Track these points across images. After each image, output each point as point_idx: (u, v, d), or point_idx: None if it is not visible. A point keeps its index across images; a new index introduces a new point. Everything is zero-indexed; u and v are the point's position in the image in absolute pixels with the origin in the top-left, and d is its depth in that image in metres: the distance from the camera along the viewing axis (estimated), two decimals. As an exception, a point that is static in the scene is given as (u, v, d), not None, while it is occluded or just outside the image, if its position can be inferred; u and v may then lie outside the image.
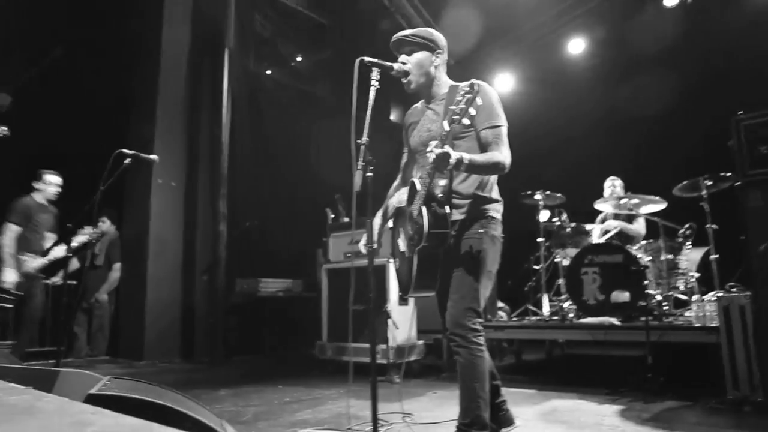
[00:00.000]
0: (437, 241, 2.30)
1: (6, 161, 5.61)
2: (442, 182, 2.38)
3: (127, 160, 3.57)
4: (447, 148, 2.14)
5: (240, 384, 4.53)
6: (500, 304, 5.74)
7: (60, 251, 5.28)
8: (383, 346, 4.75)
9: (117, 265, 6.12)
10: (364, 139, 2.27)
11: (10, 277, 5.01)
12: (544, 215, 5.63)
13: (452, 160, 2.13)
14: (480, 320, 2.33)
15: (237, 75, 6.67)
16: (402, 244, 2.55)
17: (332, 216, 6.40)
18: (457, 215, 2.43)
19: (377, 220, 2.64)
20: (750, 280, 3.07)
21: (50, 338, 6.61)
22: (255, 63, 7.57)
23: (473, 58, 8.08)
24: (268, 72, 8.00)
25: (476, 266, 2.34)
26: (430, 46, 2.52)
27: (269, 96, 7.81)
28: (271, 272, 6.76)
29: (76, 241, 4.59)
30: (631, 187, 5.42)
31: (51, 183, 5.45)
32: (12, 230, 5.13)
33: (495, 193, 2.53)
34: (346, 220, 6.23)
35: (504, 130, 2.39)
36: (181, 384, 4.48)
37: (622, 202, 5.24)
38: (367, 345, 4.73)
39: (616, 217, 5.78)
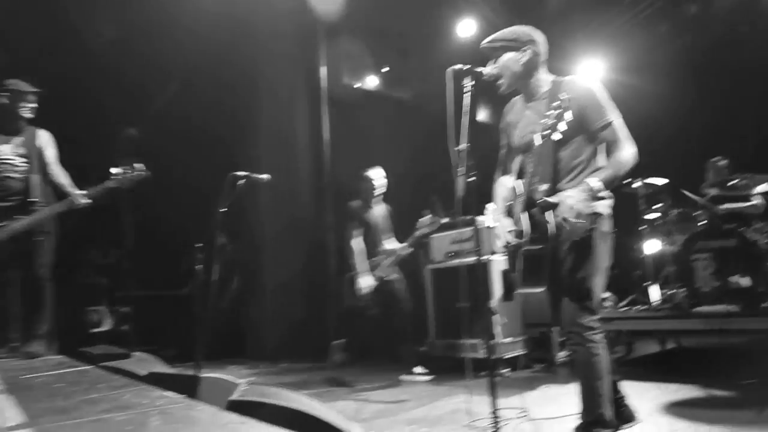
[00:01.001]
0: (538, 245, 2.39)
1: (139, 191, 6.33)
2: (543, 187, 2.40)
3: (241, 182, 3.94)
4: (575, 205, 2.20)
5: (356, 382, 4.81)
6: (606, 294, 5.65)
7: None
8: (491, 341, 4.86)
9: (236, 276, 6.69)
10: (464, 145, 2.38)
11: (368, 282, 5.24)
12: (646, 201, 5.49)
13: (590, 207, 2.23)
14: (597, 317, 2.34)
15: (332, 92, 7.05)
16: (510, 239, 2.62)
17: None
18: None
19: (504, 221, 2.61)
20: None
21: (184, 343, 7.36)
22: (346, 77, 7.92)
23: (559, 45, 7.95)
24: (358, 84, 8.34)
25: (589, 264, 2.36)
26: (512, 45, 2.53)
27: (362, 107, 8.14)
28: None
29: None
30: (737, 168, 5.15)
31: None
32: (356, 235, 5.40)
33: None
34: (445, 220, 6.40)
35: (617, 122, 2.37)
36: (302, 384, 4.86)
37: (733, 183, 5.02)
38: (477, 341, 4.94)
39: (725, 199, 5.51)
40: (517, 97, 2.74)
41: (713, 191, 5.31)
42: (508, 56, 2.54)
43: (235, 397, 1.95)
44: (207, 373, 2.81)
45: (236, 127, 7.27)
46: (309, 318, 6.75)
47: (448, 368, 5.20)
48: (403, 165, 8.45)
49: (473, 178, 2.37)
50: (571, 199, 2.23)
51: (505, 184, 2.73)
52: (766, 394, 3.37)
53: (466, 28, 7.68)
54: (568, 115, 2.25)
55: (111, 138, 6.52)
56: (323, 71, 6.85)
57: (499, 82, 2.56)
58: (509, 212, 2.65)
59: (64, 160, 4.58)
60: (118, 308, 6.03)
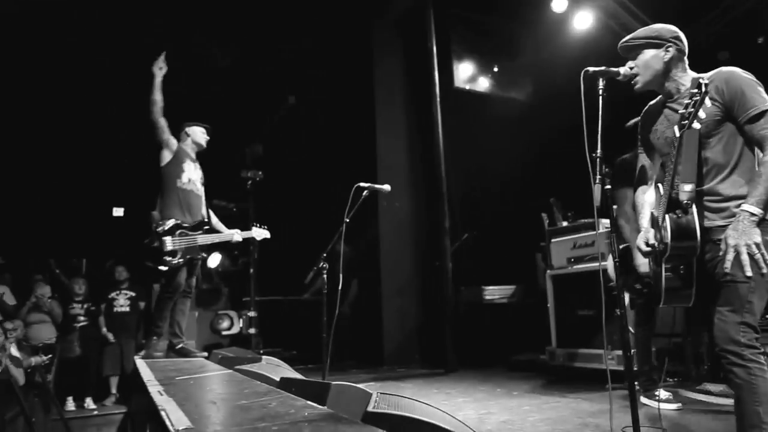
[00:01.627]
0: (684, 252, 2.20)
1: (265, 201, 6.73)
2: (688, 187, 2.22)
3: (365, 192, 4.06)
4: (740, 244, 2.05)
5: (474, 390, 4.76)
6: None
7: None
8: (618, 353, 4.61)
9: (353, 282, 6.88)
10: (599, 151, 2.27)
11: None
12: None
13: (758, 238, 2.05)
14: (757, 336, 2.13)
15: (444, 96, 7.06)
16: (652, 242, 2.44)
17: (548, 221, 6.40)
18: (718, 220, 2.23)
19: (646, 224, 2.48)
20: None
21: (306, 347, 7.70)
22: (457, 80, 7.90)
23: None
24: (469, 87, 8.27)
25: (747, 274, 2.11)
26: (655, 42, 2.38)
27: (473, 109, 8.08)
28: (492, 280, 6.98)
29: None
30: None
31: None
32: None
33: None
34: (564, 224, 6.17)
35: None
36: (423, 391, 4.89)
37: None
38: (601, 351, 4.71)
39: None
40: (655, 101, 2.57)
41: None
42: (650, 53, 2.38)
43: (371, 408, 1.98)
44: (335, 380, 2.90)
45: (354, 137, 7.50)
46: (425, 324, 6.80)
47: (569, 378, 5.02)
48: (519, 167, 8.31)
49: (609, 186, 2.24)
50: (732, 238, 2.06)
51: (646, 192, 2.57)
52: None
53: (582, 21, 7.37)
54: (709, 103, 2.07)
55: (239, 151, 7.01)
56: (436, 75, 6.86)
57: (636, 80, 2.41)
58: (651, 220, 2.50)
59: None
60: (245, 312, 6.41)
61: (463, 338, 6.97)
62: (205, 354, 4.54)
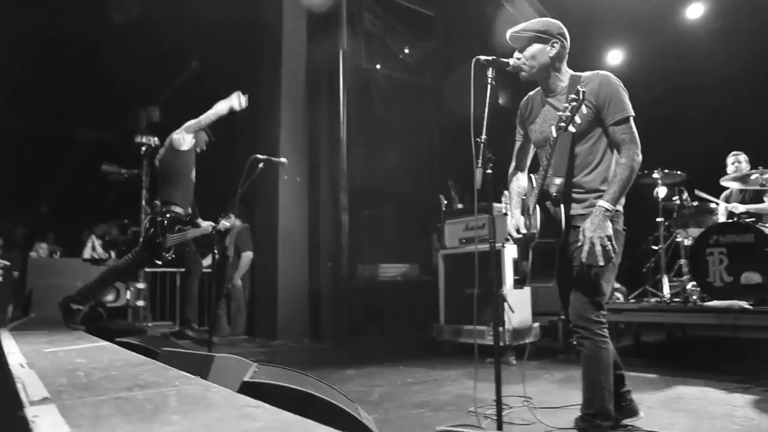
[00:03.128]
0: (550, 240, 2.40)
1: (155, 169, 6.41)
2: (558, 180, 2.44)
3: (261, 164, 4.01)
4: (595, 236, 2.25)
5: (364, 364, 4.89)
6: (616, 285, 5.66)
7: None
8: (500, 329, 4.90)
9: (246, 254, 6.76)
10: (483, 137, 2.38)
11: None
12: (661, 192, 5.45)
13: (609, 231, 2.27)
14: (604, 312, 2.37)
15: (351, 73, 7.04)
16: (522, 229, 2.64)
17: (446, 202, 6.62)
18: (579, 209, 2.45)
19: (516, 212, 2.69)
20: None
21: (198, 320, 7.52)
22: (366, 59, 7.90)
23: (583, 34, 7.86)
24: (378, 67, 8.30)
25: (600, 260, 2.31)
26: (543, 37, 2.50)
27: (381, 90, 8.13)
28: (388, 258, 7.14)
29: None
30: (758, 162, 5.09)
31: None
32: None
33: None
34: (460, 206, 6.41)
35: (632, 121, 2.38)
36: (312, 364, 4.96)
37: (753, 177, 4.97)
38: (485, 327, 4.99)
39: (743, 192, 5.47)
40: (535, 92, 2.73)
41: (732, 184, 5.26)
42: (537, 47, 2.52)
43: (247, 378, 1.99)
44: (217, 352, 2.87)
45: (258, 109, 7.30)
46: (320, 300, 6.84)
47: (454, 353, 5.28)
48: (424, 150, 8.50)
49: (490, 171, 2.38)
50: (589, 231, 2.27)
51: (520, 179, 2.76)
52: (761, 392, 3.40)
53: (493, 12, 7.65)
54: (584, 109, 2.25)
55: (132, 116, 6.61)
56: (342, 52, 6.81)
57: (523, 72, 2.55)
58: (522, 207, 2.69)
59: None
60: (134, 284, 6.14)
61: (358, 314, 7.11)
62: (83, 327, 4.32)
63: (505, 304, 4.93)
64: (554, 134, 2.31)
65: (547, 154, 2.45)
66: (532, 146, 2.76)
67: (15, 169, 9.18)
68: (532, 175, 2.55)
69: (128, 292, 6.08)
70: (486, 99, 2.42)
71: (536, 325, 5.22)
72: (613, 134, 2.39)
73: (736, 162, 5.63)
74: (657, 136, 6.77)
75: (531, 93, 2.76)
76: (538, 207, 2.43)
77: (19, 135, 9.16)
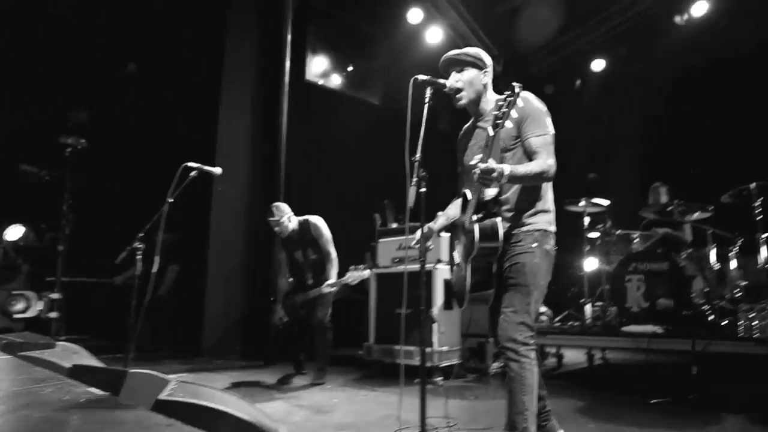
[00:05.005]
0: (488, 252, 2.41)
1: (84, 172, 6.08)
2: (492, 192, 2.48)
3: (193, 173, 3.88)
4: (490, 163, 2.25)
5: (291, 384, 4.78)
6: (542, 309, 5.83)
7: None
8: (428, 349, 4.93)
9: (173, 267, 6.51)
10: (418, 155, 2.40)
11: None
12: (586, 222, 5.69)
13: (495, 174, 2.24)
14: (532, 334, 2.40)
15: (294, 85, 6.99)
16: (457, 256, 2.66)
17: (380, 221, 6.63)
18: (507, 227, 2.49)
19: (434, 226, 2.76)
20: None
21: (117, 334, 7.14)
22: (309, 73, 7.87)
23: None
24: (321, 82, 8.28)
25: (529, 281, 2.41)
26: (479, 64, 2.63)
27: (321, 105, 8.11)
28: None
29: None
30: (677, 194, 5.42)
31: None
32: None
33: (549, 204, 2.58)
34: (395, 225, 6.44)
35: (550, 138, 2.46)
36: (236, 382, 4.79)
37: (669, 209, 5.26)
38: (414, 348, 5.00)
39: (660, 224, 5.79)
40: (468, 123, 2.83)
41: (652, 216, 5.55)
42: (473, 73, 2.63)
43: (163, 396, 1.89)
44: (135, 368, 2.71)
45: (196, 116, 7.10)
46: (249, 316, 6.65)
47: (383, 373, 5.25)
48: (362, 168, 8.51)
49: (424, 189, 2.39)
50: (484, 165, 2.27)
51: (455, 205, 2.80)
52: (680, 412, 3.57)
53: (434, 35, 7.80)
54: (514, 113, 2.31)
55: (61, 114, 6.28)
56: (287, 65, 6.76)
57: (459, 95, 2.62)
58: (457, 228, 2.74)
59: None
60: (48, 294, 5.76)
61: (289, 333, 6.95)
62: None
63: (434, 324, 4.99)
64: (491, 132, 2.32)
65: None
66: (469, 176, 2.81)
67: None
68: (465, 190, 2.58)
69: (41, 303, 5.70)
70: (423, 118, 2.46)
71: (464, 346, 5.28)
72: (529, 146, 2.45)
73: (657, 193, 5.97)
74: (585, 166, 7.19)
75: (466, 125, 2.85)
76: (474, 218, 2.44)
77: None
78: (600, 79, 8.35)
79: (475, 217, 2.44)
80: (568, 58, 8.49)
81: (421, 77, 2.53)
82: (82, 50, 7.45)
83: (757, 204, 4.64)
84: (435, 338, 4.94)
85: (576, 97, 8.32)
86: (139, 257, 4.17)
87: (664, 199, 5.87)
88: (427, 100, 2.51)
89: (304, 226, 5.16)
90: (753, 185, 4.64)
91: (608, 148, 7.89)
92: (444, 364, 4.95)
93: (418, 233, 2.70)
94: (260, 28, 7.23)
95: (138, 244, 4.13)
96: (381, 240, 5.80)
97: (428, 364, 4.88)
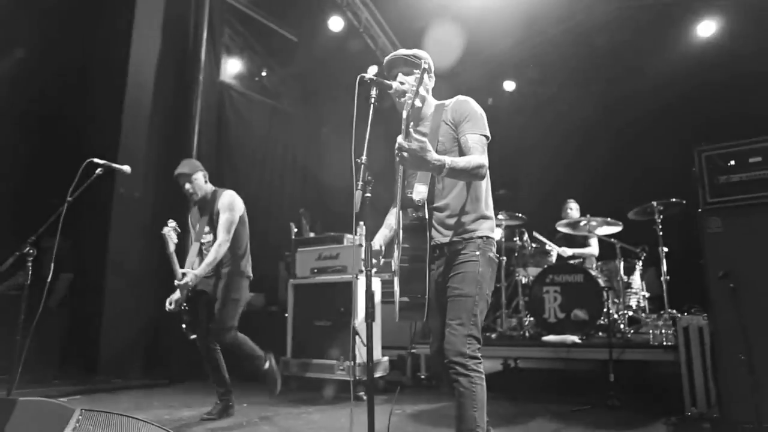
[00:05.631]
0: (419, 251, 2.28)
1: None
2: (422, 188, 2.38)
3: (99, 170, 3.49)
4: (422, 140, 2.13)
5: (203, 404, 4.40)
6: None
7: None
8: (349, 363, 4.75)
9: (64, 275, 5.87)
10: (363, 158, 2.24)
11: None
12: (498, 234, 5.79)
13: (430, 157, 2.13)
14: (479, 347, 2.29)
15: (206, 86, 6.61)
16: (394, 264, 2.51)
17: (296, 230, 6.39)
18: (449, 235, 2.39)
19: (377, 240, 2.56)
20: (708, 302, 3.25)
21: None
22: (223, 75, 7.51)
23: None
24: (234, 84, 7.93)
25: (474, 291, 2.30)
26: (425, 67, 2.50)
27: (235, 108, 7.75)
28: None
29: None
30: (588, 210, 5.65)
31: None
32: None
33: (489, 210, 2.49)
34: (312, 235, 6.23)
35: (485, 140, 2.40)
36: (142, 405, 4.35)
37: (582, 224, 5.45)
38: (333, 362, 4.81)
39: (571, 237, 6.01)
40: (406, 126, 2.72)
41: (564, 229, 5.73)
42: (418, 75, 2.50)
43: (70, 430, 1.58)
44: (23, 395, 2.32)
45: (94, 110, 6.48)
46: (152, 330, 6.11)
47: (301, 388, 5.01)
48: (275, 175, 8.22)
49: (369, 194, 2.22)
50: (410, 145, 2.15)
51: (392, 213, 2.66)
52: (595, 418, 3.65)
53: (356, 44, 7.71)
54: (444, 126, 2.28)
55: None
56: (201, 63, 6.37)
57: (405, 98, 2.48)
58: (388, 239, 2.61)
59: None
60: None
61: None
62: None
63: (357, 337, 4.82)
64: (404, 116, 2.20)
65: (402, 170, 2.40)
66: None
67: None
68: (395, 189, 2.46)
69: None
70: (368, 119, 2.30)
71: (385, 359, 5.16)
72: (465, 143, 2.37)
73: (569, 209, 6.22)
74: (501, 179, 7.38)
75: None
76: (401, 214, 2.31)
77: None
78: (510, 98, 8.67)
79: (401, 213, 2.34)
80: (482, 77, 8.72)
81: (368, 76, 2.37)
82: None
83: (658, 220, 4.91)
84: (357, 351, 4.76)
85: (489, 114, 8.57)
86: (29, 264, 3.63)
87: (574, 214, 6.11)
88: (372, 100, 2.36)
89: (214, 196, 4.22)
90: (655, 203, 4.90)
91: (517, 167, 8.21)
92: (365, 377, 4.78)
93: (364, 248, 2.55)
94: (170, 18, 6.76)
95: (29, 249, 3.59)
96: (299, 249, 5.56)
97: (349, 378, 4.70)
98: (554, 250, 5.87)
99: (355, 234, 5.31)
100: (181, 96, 6.50)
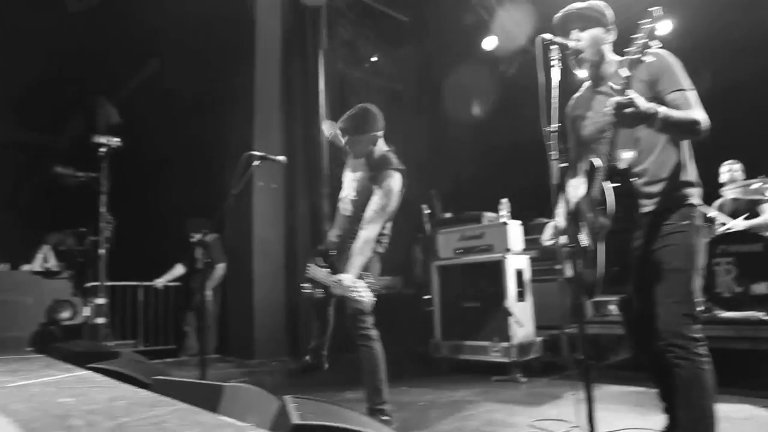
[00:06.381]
0: (626, 219, 2.09)
1: (119, 170, 5.81)
2: (627, 155, 2.17)
3: (257, 162, 3.57)
4: (632, 94, 1.91)
5: (360, 385, 4.44)
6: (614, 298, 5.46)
7: None
8: (504, 344, 4.59)
9: (219, 265, 6.21)
10: (555, 125, 2.04)
11: None
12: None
13: (642, 107, 1.90)
14: (700, 326, 2.06)
15: (329, 75, 6.69)
16: (585, 239, 2.28)
17: (428, 212, 6.30)
18: (651, 205, 2.17)
19: (560, 222, 2.38)
20: None
21: (162, 338, 6.90)
22: (340, 63, 7.56)
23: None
24: (352, 71, 7.96)
25: (688, 265, 2.07)
26: (603, 21, 2.31)
27: (355, 94, 7.78)
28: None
29: None
30: (754, 171, 5.00)
31: None
32: None
33: (694, 175, 2.23)
34: (448, 215, 6.09)
35: (690, 93, 2.11)
36: (303, 387, 4.47)
37: (753, 187, 4.86)
38: (486, 343, 4.67)
39: (736, 202, 5.37)
40: (580, 92, 2.51)
41: (731, 194, 5.14)
42: (597, 31, 2.30)
43: (298, 420, 1.56)
44: (229, 382, 2.38)
45: (228, 113, 6.79)
46: (297, 314, 6.34)
47: (454, 370, 4.94)
48: (402, 158, 8.17)
49: (566, 164, 2.02)
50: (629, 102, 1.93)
51: (575, 186, 2.43)
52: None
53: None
54: (649, 58, 1.98)
55: (90, 111, 6.01)
56: (321, 54, 6.44)
57: (582, 56, 2.27)
58: (574, 216, 2.37)
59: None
60: (93, 299, 5.50)
61: (340, 329, 6.65)
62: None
63: (510, 317, 4.65)
64: (627, 72, 1.97)
65: (608, 137, 2.16)
66: (585, 147, 2.45)
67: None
68: (592, 159, 2.23)
69: (87, 309, 5.44)
70: (553, 83, 2.10)
71: (539, 339, 4.94)
72: (674, 101, 2.10)
73: (730, 171, 5.55)
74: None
75: (575, 95, 2.54)
76: (607, 184, 2.09)
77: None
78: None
79: (607, 182, 2.10)
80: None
81: (548, 37, 2.17)
82: (105, 45, 7.19)
83: None
84: (512, 332, 4.59)
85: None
86: (200, 256, 3.84)
87: (739, 176, 5.44)
88: (554, 62, 2.16)
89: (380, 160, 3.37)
90: None
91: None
92: (522, 359, 4.60)
93: (548, 230, 2.38)
94: (289, 16, 6.90)
95: (201, 239, 3.77)
96: (441, 231, 5.45)
97: (505, 360, 4.55)
98: (721, 222, 5.25)
99: (499, 213, 5.13)
100: (306, 87, 6.62)
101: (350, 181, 3.38)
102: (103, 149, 5.74)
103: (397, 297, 6.82)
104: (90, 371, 2.54)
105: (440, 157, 8.50)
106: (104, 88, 7.24)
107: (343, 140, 3.37)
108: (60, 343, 4.48)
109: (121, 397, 1.82)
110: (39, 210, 7.44)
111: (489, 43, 7.52)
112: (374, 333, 3.20)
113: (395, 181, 3.13)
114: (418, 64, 8.84)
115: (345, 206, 3.33)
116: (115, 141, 5.80)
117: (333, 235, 3.35)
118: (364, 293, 2.80)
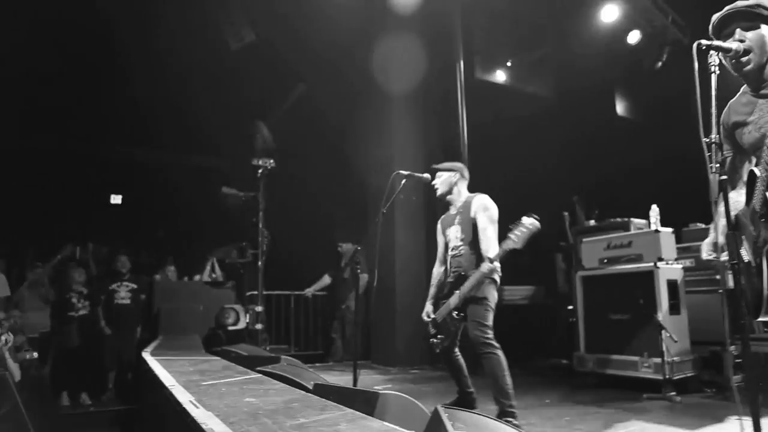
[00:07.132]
0: None
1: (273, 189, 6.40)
2: None
3: (404, 180, 3.78)
4: None
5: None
6: None
7: None
8: (656, 360, 4.35)
9: (363, 276, 6.54)
10: (713, 136, 1.95)
11: None
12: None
13: None
14: None
15: (467, 86, 6.77)
16: (746, 254, 2.15)
17: (570, 220, 6.14)
18: None
19: (720, 228, 2.24)
20: None
21: (312, 344, 7.42)
22: (477, 71, 7.60)
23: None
24: (486, 78, 7.95)
25: None
26: None
27: (491, 102, 7.78)
28: (512, 279, 6.68)
29: None
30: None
31: None
32: None
33: None
34: (592, 223, 5.89)
35: None
36: (445, 397, 4.57)
37: None
38: (636, 358, 4.46)
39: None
40: (735, 98, 2.32)
41: None
42: (764, 30, 2.12)
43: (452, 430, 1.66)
44: (382, 390, 2.56)
45: (367, 130, 7.15)
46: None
47: (600, 385, 4.76)
48: (540, 164, 8.03)
49: (724, 177, 1.92)
50: None
51: (735, 198, 2.27)
52: None
53: (609, 13, 7.03)
54: None
55: (249, 135, 6.66)
56: (460, 65, 6.54)
57: (748, 58, 2.12)
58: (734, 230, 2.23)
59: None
60: (253, 307, 6.10)
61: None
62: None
63: (663, 332, 4.39)
64: None
65: None
66: (746, 154, 2.30)
67: (133, 197, 9.64)
68: (753, 168, 2.09)
69: (247, 316, 6.04)
70: (712, 92, 1.99)
71: (695, 356, 4.60)
72: None
73: None
74: None
75: (731, 101, 2.35)
76: (766, 199, 1.98)
77: (135, 164, 9.63)
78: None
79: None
80: None
81: (705, 42, 2.05)
82: (258, 76, 7.91)
83: None
84: (665, 347, 4.33)
85: None
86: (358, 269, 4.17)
87: None
88: (713, 68, 2.04)
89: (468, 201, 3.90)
90: None
91: None
92: (678, 376, 4.33)
93: (706, 246, 2.28)
94: (426, 32, 7.08)
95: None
96: (585, 240, 5.29)
97: (658, 377, 4.31)
98: None
99: (650, 219, 4.88)
100: (445, 98, 6.75)
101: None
102: (260, 170, 6.38)
103: (538, 307, 6.71)
104: (260, 374, 2.85)
105: (580, 162, 8.22)
106: (258, 113, 7.96)
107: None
108: (226, 346, 5.04)
109: (294, 399, 2.06)
110: (206, 226, 8.38)
111: (632, 37, 7.14)
112: (495, 342, 3.50)
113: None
114: (555, 66, 8.61)
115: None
116: (271, 162, 6.41)
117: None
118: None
